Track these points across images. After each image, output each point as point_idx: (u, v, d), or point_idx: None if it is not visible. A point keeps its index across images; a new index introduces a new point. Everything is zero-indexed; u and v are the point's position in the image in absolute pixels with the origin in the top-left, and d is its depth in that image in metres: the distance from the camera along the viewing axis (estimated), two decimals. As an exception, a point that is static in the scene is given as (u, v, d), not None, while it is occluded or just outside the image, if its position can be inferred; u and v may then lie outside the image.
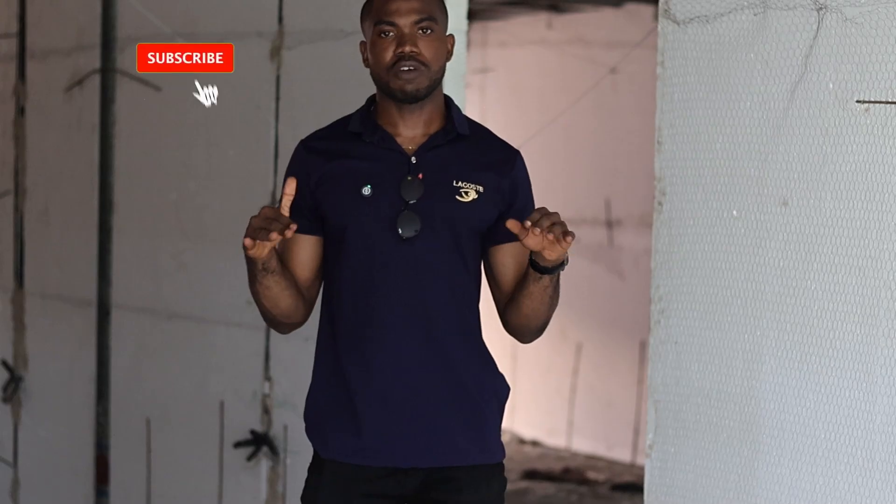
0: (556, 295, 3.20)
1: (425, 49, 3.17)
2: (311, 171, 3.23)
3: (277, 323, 3.26)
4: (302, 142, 3.31)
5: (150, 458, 5.45)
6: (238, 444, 5.00)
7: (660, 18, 3.57)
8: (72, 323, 5.87)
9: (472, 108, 9.41)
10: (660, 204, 3.57)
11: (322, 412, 3.26)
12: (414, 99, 3.19)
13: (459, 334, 3.22)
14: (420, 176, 3.18)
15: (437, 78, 3.22)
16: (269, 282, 3.15)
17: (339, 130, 3.28)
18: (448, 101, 3.29)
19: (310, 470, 3.29)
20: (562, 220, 3.01)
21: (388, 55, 3.18)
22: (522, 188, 3.27)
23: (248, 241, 3.03)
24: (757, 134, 3.36)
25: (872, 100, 3.14)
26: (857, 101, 3.17)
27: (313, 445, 3.28)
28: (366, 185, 3.19)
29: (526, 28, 9.74)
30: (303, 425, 3.31)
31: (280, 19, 4.91)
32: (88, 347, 5.72)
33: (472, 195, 3.21)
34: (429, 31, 3.18)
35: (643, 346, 8.64)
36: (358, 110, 3.29)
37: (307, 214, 3.23)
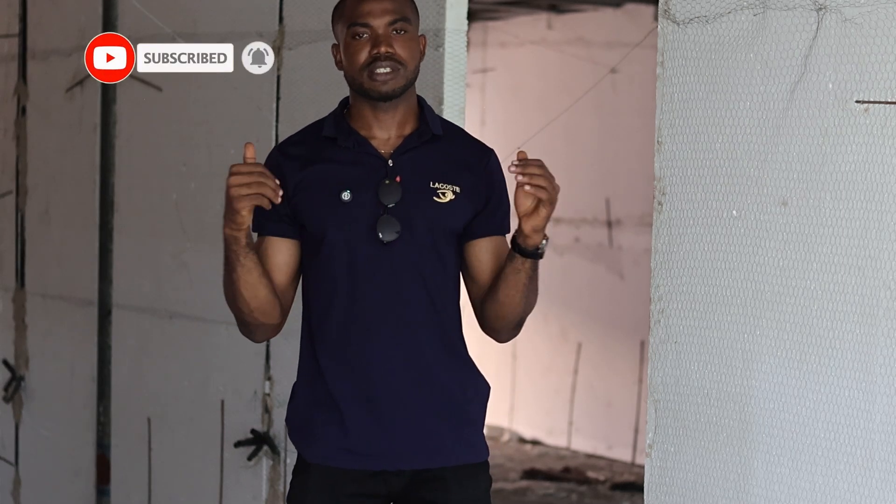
0: (533, 288, 3.19)
1: (400, 49, 3.18)
2: (287, 177, 3.21)
3: (254, 324, 3.21)
4: (276, 147, 3.30)
5: (151, 458, 5.46)
6: (239, 444, 5.01)
7: (660, 18, 3.58)
8: (73, 322, 5.88)
9: (472, 108, 9.42)
10: (660, 204, 3.57)
11: (306, 416, 3.26)
12: (389, 98, 3.19)
13: (440, 335, 3.22)
14: (398, 179, 3.18)
15: (412, 78, 3.22)
16: (250, 263, 3.10)
17: (314, 135, 3.27)
18: (420, 101, 3.30)
19: (295, 472, 3.30)
20: (549, 182, 3.05)
21: (363, 57, 3.18)
22: (497, 187, 3.27)
23: (241, 205, 3.01)
24: (757, 134, 3.37)
25: (872, 100, 3.15)
26: (857, 102, 3.17)
27: (298, 449, 3.28)
28: (345, 190, 3.18)
29: (526, 28, 9.75)
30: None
31: (280, 19, 4.91)
32: (89, 347, 5.73)
33: (450, 196, 3.21)
34: (402, 32, 3.19)
35: (643, 345, 8.65)
36: (331, 113, 3.29)
37: (284, 219, 3.22)
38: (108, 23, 5.57)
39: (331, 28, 3.29)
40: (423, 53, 3.27)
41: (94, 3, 5.65)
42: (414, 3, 3.26)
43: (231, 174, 3.03)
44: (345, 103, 3.30)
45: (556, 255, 9.40)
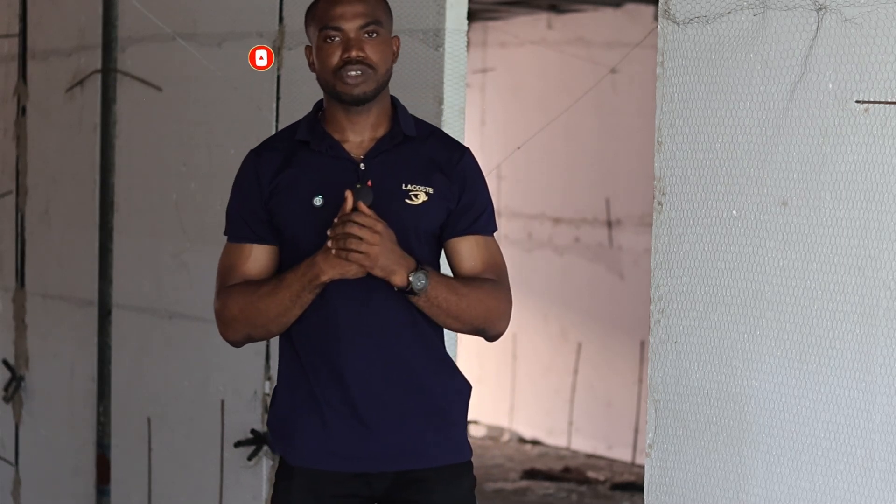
0: (450, 310, 3.18)
1: (372, 53, 3.17)
2: (262, 182, 3.22)
3: (264, 338, 3.28)
4: (252, 151, 3.30)
5: (151, 458, 5.46)
6: (239, 444, 5.01)
7: (660, 18, 3.58)
8: (73, 322, 5.88)
9: (472, 108, 9.42)
10: (660, 204, 3.57)
11: (288, 420, 3.26)
12: (361, 101, 3.18)
13: (417, 337, 3.22)
14: (369, 182, 3.18)
15: (385, 80, 3.22)
16: (311, 298, 3.15)
17: (288, 139, 3.28)
18: (394, 102, 3.29)
19: (278, 475, 3.30)
20: (366, 231, 3.04)
21: (335, 60, 3.18)
22: (470, 185, 3.26)
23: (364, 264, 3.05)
24: (757, 134, 3.37)
25: (872, 100, 3.15)
26: (857, 102, 3.17)
27: (280, 453, 3.28)
28: (317, 196, 3.18)
29: (526, 28, 9.74)
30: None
31: (280, 19, 4.91)
32: (89, 347, 5.73)
33: (423, 197, 3.21)
34: (374, 35, 3.18)
35: (643, 345, 8.65)
36: (305, 117, 3.29)
37: (261, 224, 3.22)
38: (108, 23, 5.57)
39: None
40: (396, 55, 3.27)
41: (94, 3, 5.65)
42: (387, 4, 3.26)
43: (375, 231, 3.05)
44: (319, 106, 3.30)
45: (556, 255, 9.39)
